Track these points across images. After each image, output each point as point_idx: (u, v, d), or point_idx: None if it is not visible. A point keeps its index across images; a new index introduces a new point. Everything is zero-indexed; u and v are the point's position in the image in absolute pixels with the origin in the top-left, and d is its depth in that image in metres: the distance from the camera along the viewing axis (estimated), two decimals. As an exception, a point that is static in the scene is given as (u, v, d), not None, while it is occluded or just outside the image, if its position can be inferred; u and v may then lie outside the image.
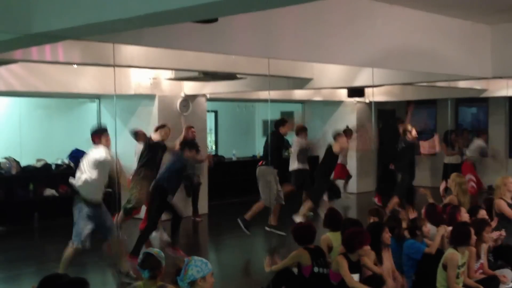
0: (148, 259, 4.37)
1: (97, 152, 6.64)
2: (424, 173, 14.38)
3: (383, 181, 11.89)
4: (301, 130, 10.25)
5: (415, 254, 5.98)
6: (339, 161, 12.58)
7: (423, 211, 6.83)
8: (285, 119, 9.85)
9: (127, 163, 10.97)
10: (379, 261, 5.68)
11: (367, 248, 5.40)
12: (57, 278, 3.60)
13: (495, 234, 6.60)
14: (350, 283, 5.30)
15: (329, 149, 9.76)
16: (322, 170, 9.97)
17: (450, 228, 6.14)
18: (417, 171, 14.14)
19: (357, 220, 6.79)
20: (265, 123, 15.12)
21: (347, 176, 13.30)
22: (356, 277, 5.39)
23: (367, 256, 5.48)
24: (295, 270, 5.73)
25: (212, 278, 4.01)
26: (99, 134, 6.72)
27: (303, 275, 5.59)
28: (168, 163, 8.00)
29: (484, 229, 6.05)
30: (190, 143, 8.25)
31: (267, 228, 9.30)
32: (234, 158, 13.76)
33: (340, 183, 13.03)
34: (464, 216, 6.63)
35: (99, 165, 6.62)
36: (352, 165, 13.89)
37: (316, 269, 5.55)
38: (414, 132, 10.22)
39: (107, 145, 6.68)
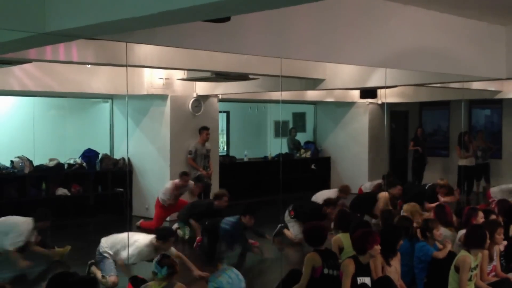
0: (167, 258, 4.66)
1: None
2: (435, 175, 14.29)
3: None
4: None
5: (424, 256, 5.96)
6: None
7: (432, 212, 6.80)
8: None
9: (138, 163, 11.05)
10: (386, 263, 5.64)
11: (378, 247, 5.34)
12: (67, 276, 3.62)
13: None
14: None
15: None
16: None
17: (462, 232, 6.10)
18: (429, 172, 14.15)
19: (366, 221, 6.76)
20: (277, 124, 15.10)
21: None
22: (367, 280, 5.23)
23: (378, 257, 5.42)
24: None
25: None
26: None
27: (313, 276, 5.56)
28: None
29: (496, 231, 5.97)
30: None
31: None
32: (245, 159, 13.76)
33: None
34: (480, 220, 6.57)
35: None
36: (363, 167, 13.84)
37: (326, 271, 5.51)
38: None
39: None
